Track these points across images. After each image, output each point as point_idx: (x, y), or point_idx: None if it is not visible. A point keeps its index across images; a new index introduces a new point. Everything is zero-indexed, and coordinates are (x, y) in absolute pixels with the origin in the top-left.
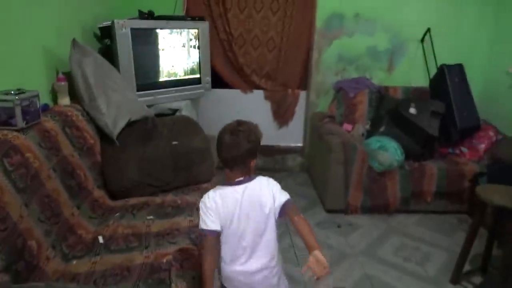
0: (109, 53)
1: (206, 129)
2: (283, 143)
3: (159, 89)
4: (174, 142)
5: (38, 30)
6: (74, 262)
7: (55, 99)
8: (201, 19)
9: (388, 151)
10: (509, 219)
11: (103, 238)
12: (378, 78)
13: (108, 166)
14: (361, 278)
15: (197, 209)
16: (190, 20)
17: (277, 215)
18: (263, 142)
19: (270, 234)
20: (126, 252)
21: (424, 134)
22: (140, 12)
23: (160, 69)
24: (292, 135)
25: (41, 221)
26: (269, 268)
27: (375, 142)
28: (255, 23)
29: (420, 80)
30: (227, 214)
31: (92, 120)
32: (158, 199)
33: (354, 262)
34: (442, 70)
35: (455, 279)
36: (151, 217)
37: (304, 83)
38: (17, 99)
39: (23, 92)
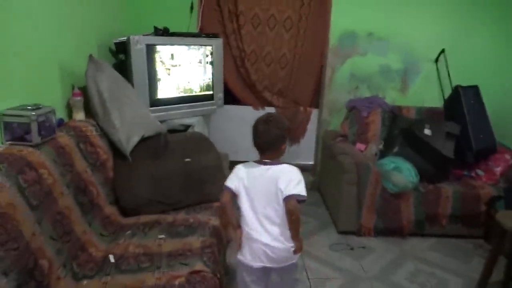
0: (124, 68)
1: (218, 145)
2: (293, 161)
3: (172, 104)
4: (187, 159)
5: (55, 45)
6: (85, 282)
7: (70, 114)
8: (215, 36)
9: (403, 172)
10: None
11: (114, 256)
12: (391, 97)
13: (120, 182)
14: None
15: (209, 228)
16: (204, 37)
17: (281, 201)
18: None
19: (280, 211)
20: (137, 272)
21: (439, 156)
22: (156, 28)
23: (175, 85)
24: (303, 153)
25: (53, 239)
26: (277, 240)
27: (389, 163)
28: (268, 40)
29: (434, 100)
30: (248, 185)
31: (105, 135)
32: (169, 217)
33: (368, 287)
34: (457, 91)
35: None
36: (163, 236)
37: (316, 101)
38: (33, 114)
39: (39, 108)
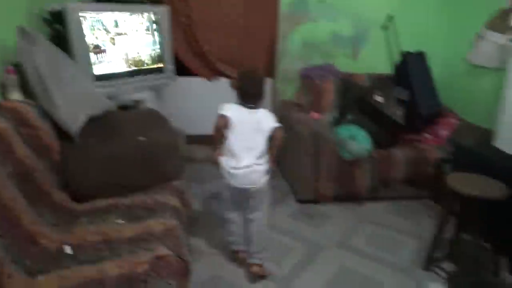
0: (62, 40)
1: (172, 120)
2: None
3: (120, 78)
4: (141, 138)
5: None
6: (41, 278)
7: (4, 95)
8: (159, 1)
9: (358, 139)
10: (476, 207)
11: (71, 247)
12: (343, 64)
13: (69, 166)
14: (340, 271)
15: (169, 209)
16: (148, 3)
17: (267, 134)
18: None
19: (261, 142)
20: (97, 263)
21: (391, 122)
22: None
23: (123, 56)
24: None
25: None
26: (256, 165)
27: (344, 131)
28: (217, 7)
29: (384, 67)
30: (238, 120)
31: (48, 116)
32: (127, 200)
33: (330, 254)
34: (404, 57)
35: (427, 266)
36: (121, 221)
37: (270, 70)
38: None
39: None
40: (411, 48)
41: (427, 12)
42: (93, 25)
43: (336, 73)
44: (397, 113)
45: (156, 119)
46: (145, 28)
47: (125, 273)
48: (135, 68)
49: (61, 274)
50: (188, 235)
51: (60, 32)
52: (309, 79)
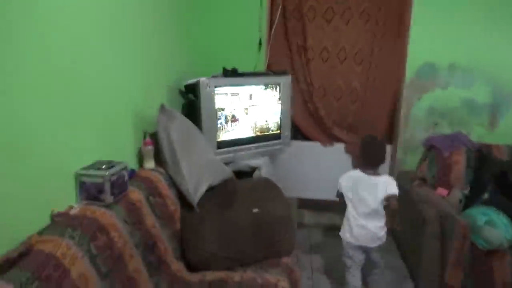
0: (193, 109)
1: (284, 184)
2: None
3: (239, 145)
4: (255, 210)
5: (128, 93)
6: None
7: (140, 162)
8: (284, 73)
9: (497, 226)
10: None
11: None
12: (477, 134)
13: (187, 235)
14: None
15: None
16: (273, 75)
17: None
18: None
19: (380, 209)
20: None
21: None
22: (225, 69)
23: (250, 125)
24: None
25: None
26: (378, 228)
27: (480, 215)
28: (337, 73)
29: None
30: (354, 188)
31: (174, 184)
32: (236, 276)
33: None
34: None
35: None
36: None
37: (389, 137)
38: (107, 175)
39: (113, 166)
40: None
41: None
42: (226, 97)
43: (469, 143)
44: None
45: (270, 190)
46: (278, 98)
47: None
48: (254, 135)
49: None
50: None
51: (192, 101)
52: (435, 150)
